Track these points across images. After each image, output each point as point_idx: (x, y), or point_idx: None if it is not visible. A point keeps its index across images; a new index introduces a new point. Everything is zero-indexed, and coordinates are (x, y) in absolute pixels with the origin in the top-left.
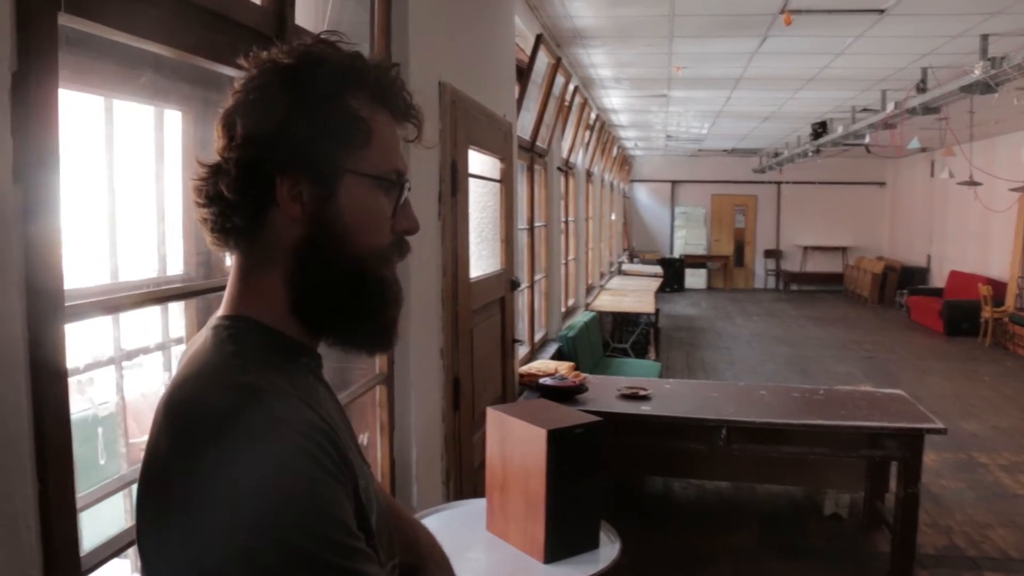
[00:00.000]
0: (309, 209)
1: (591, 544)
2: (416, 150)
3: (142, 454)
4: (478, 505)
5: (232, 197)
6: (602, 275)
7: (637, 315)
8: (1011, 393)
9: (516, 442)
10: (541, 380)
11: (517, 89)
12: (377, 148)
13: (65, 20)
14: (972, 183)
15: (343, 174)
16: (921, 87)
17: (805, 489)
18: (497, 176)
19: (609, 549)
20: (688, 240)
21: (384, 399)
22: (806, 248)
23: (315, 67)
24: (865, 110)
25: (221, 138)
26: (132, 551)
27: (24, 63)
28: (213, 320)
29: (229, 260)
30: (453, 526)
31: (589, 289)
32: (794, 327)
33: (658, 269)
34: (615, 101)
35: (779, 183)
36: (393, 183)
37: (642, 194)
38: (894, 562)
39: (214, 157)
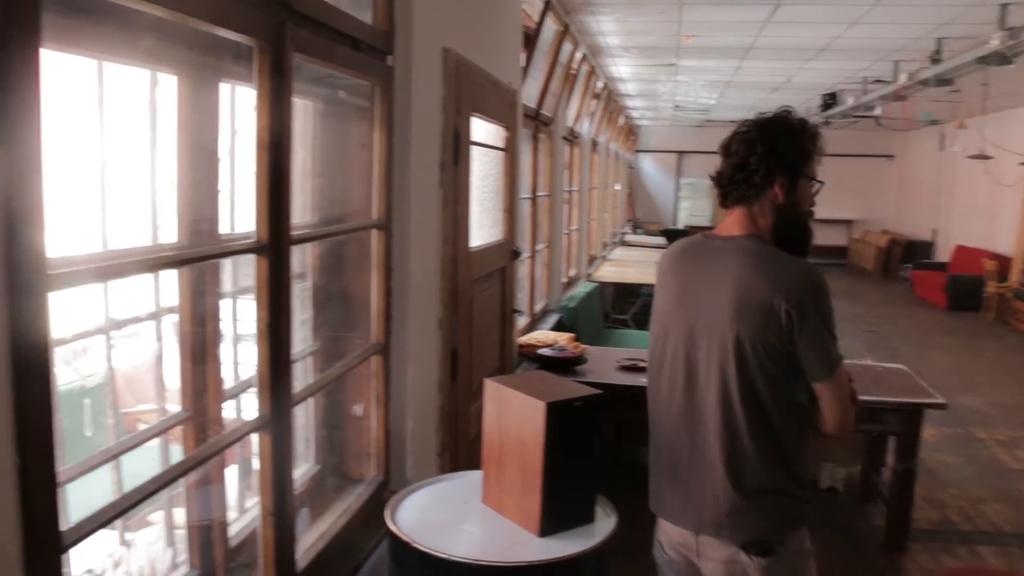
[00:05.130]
0: (786, 193)
1: (587, 518)
2: (416, 116)
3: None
4: (474, 477)
5: (757, 180)
6: (605, 246)
7: (639, 286)
8: (1012, 369)
9: (514, 414)
10: (540, 351)
11: (524, 56)
12: (813, 164)
13: None
14: (983, 157)
15: (802, 176)
16: (935, 58)
17: None
18: (501, 144)
19: (605, 523)
20: (693, 211)
21: (380, 369)
22: None
23: (796, 124)
24: (877, 81)
25: (746, 151)
26: (119, 522)
27: (4, 25)
28: (743, 236)
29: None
30: (448, 498)
31: (591, 260)
32: None
33: (661, 240)
34: (623, 70)
35: None
36: (817, 181)
37: (648, 164)
38: (888, 535)
39: (739, 158)
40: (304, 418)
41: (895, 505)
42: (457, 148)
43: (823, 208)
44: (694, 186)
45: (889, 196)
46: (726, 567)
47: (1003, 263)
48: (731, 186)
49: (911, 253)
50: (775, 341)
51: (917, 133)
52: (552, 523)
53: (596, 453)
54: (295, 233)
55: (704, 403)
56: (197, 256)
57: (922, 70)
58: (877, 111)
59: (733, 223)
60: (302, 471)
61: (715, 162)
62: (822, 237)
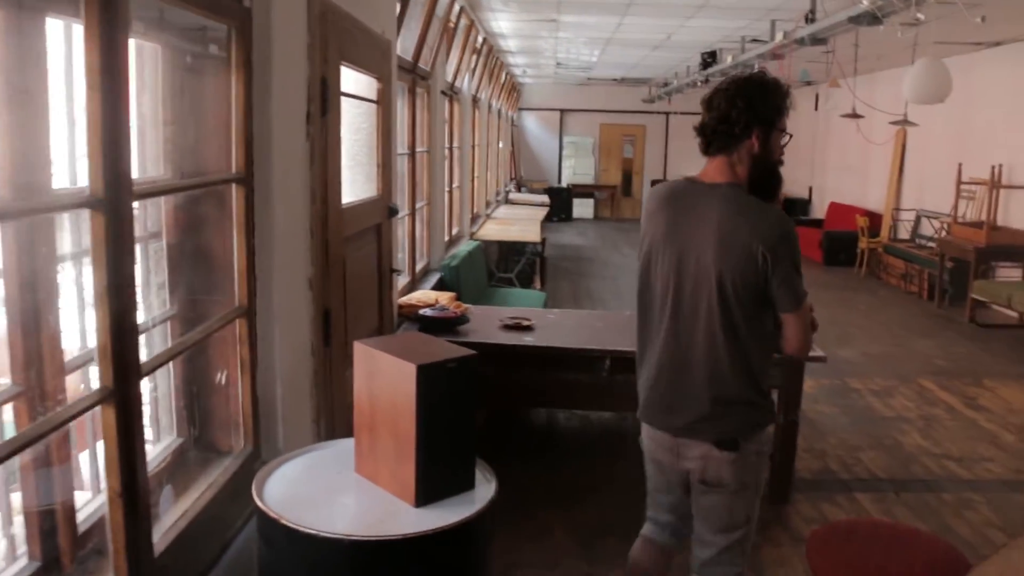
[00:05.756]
0: (760, 143)
1: (466, 485)
2: (278, 63)
3: None
4: (347, 445)
5: (736, 131)
6: (488, 204)
7: (523, 244)
8: (883, 321)
9: (385, 378)
10: (421, 311)
11: (398, 6)
12: (784, 118)
13: None
14: (855, 116)
15: (775, 129)
16: (810, 17)
17: None
18: (374, 96)
19: (485, 489)
20: (576, 170)
21: (245, 334)
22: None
23: (770, 82)
24: (754, 40)
25: (727, 105)
26: None
27: None
28: (725, 184)
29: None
30: (320, 469)
31: (475, 218)
32: None
33: (545, 198)
34: (503, 25)
35: (668, 113)
36: (786, 133)
37: (531, 122)
38: (773, 487)
39: (721, 111)
40: (166, 388)
41: (779, 457)
42: (325, 98)
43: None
44: (577, 144)
45: None
46: (702, 461)
47: (874, 219)
48: (714, 136)
49: (789, 210)
50: (751, 278)
51: (796, 93)
52: (428, 492)
53: (472, 416)
54: (138, 187)
55: (688, 328)
56: (16, 211)
57: (798, 29)
58: (755, 70)
59: (715, 171)
60: (164, 445)
61: (598, 120)
62: None
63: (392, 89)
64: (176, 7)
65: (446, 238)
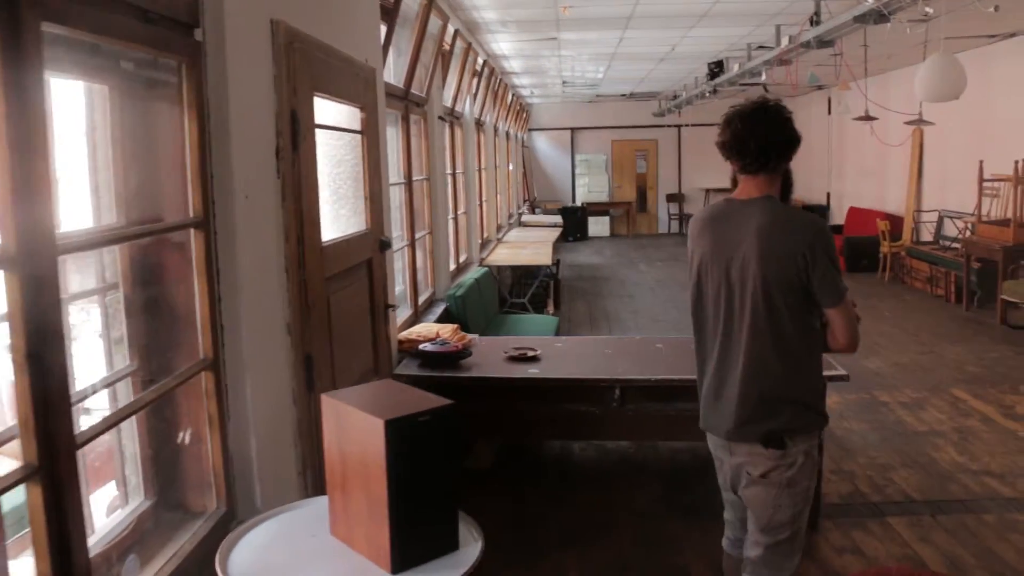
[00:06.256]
0: (787, 166)
1: (448, 546)
2: (238, 97)
3: None
4: (324, 503)
5: (789, 153)
6: (499, 228)
7: (536, 268)
8: (911, 328)
9: (354, 434)
10: (421, 346)
11: (383, 32)
12: None
13: None
14: (868, 118)
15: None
16: (815, 20)
17: None
18: (357, 127)
19: (471, 549)
20: (590, 188)
21: (212, 387)
22: (708, 191)
23: (786, 111)
24: (760, 47)
25: (777, 132)
26: None
27: None
28: (760, 198)
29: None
30: (292, 531)
31: (484, 243)
32: None
33: (558, 219)
34: (504, 46)
35: (679, 126)
36: None
37: (542, 143)
38: None
39: (774, 135)
40: (133, 447)
41: None
42: (296, 132)
43: (720, 178)
44: (589, 162)
45: None
46: (749, 457)
47: (895, 223)
48: (767, 160)
49: None
50: (794, 279)
51: (807, 98)
52: (406, 556)
53: (452, 470)
54: (64, 241)
55: (737, 335)
56: None
57: (803, 32)
58: (763, 77)
59: (752, 188)
60: (131, 508)
61: (609, 137)
62: None
63: (379, 118)
64: (116, 45)
65: (452, 267)
